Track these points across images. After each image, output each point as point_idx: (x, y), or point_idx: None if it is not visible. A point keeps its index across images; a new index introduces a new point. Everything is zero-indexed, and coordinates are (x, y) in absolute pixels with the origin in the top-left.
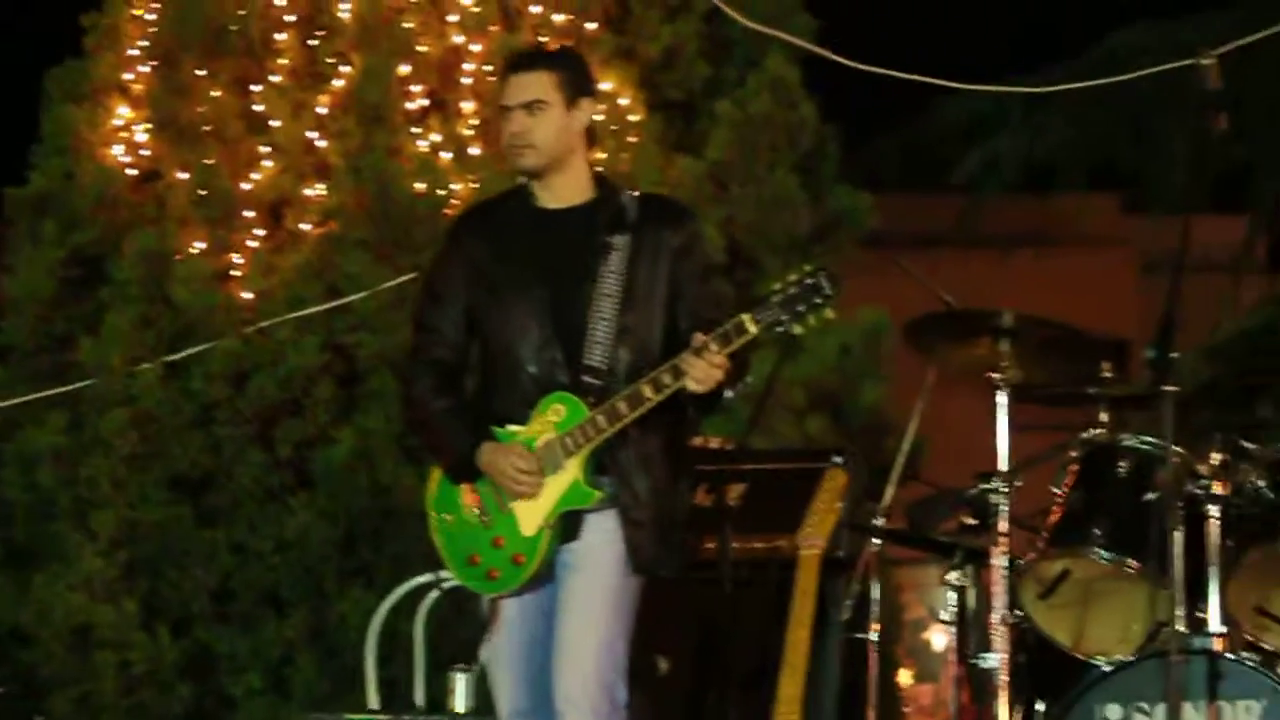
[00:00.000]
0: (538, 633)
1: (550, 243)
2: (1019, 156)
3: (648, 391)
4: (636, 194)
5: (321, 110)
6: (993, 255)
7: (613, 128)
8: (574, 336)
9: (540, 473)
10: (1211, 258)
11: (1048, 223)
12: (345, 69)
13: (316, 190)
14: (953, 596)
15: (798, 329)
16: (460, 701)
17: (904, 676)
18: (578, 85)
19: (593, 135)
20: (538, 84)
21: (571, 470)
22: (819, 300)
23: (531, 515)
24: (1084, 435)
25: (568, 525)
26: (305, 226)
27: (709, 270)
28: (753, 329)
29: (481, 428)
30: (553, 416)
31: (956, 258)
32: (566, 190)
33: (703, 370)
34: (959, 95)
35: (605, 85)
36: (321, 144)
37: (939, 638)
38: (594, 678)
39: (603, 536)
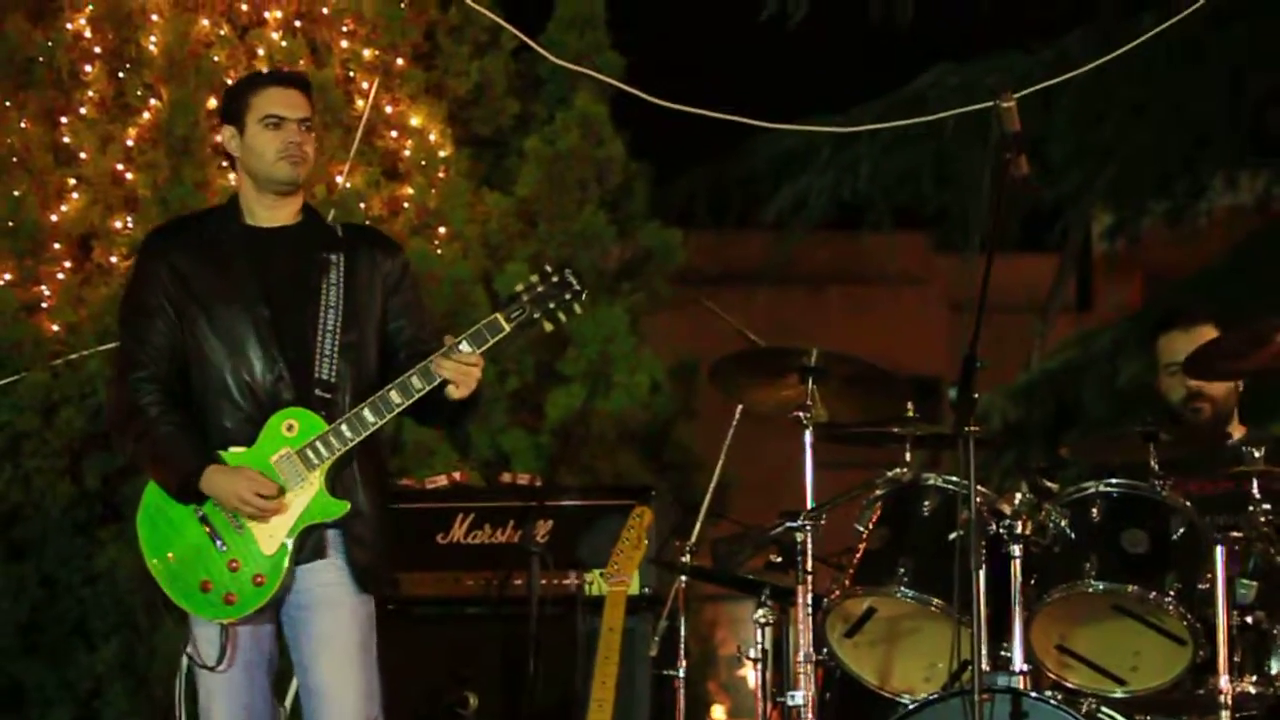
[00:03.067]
0: (256, 660)
1: (265, 260)
2: (828, 195)
3: (396, 397)
4: (339, 222)
5: (129, 143)
6: (806, 293)
7: (421, 163)
8: (300, 352)
9: (281, 493)
10: (1022, 297)
11: (859, 261)
12: (153, 102)
13: (125, 222)
14: (760, 634)
15: (549, 326)
16: None
17: (718, 712)
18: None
19: None
20: (306, 104)
21: (314, 483)
22: (569, 296)
23: (272, 533)
24: (889, 474)
25: (307, 542)
26: (114, 259)
27: (422, 303)
28: (507, 326)
29: (205, 449)
30: (286, 432)
31: (770, 295)
32: (285, 211)
33: (457, 370)
34: (769, 134)
35: (414, 121)
36: (129, 176)
37: (753, 674)
38: (361, 717)
39: (334, 560)
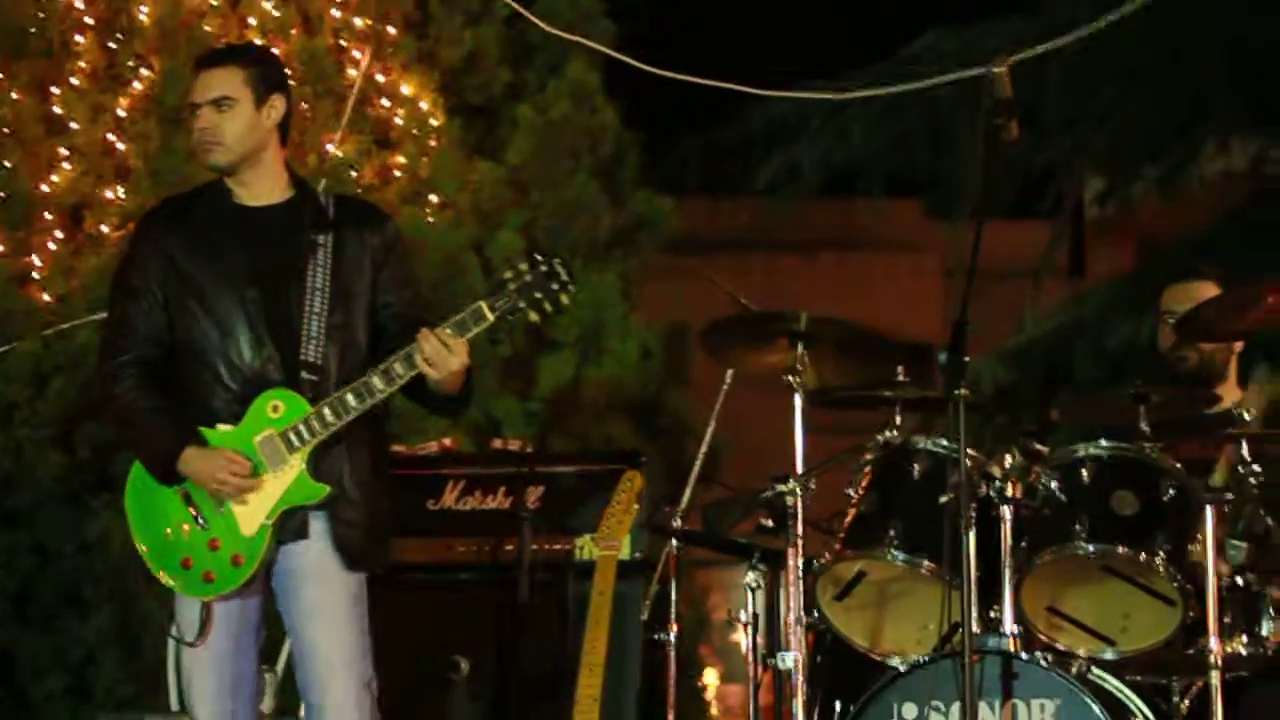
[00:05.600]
0: (242, 632)
1: (254, 241)
2: (820, 161)
3: (379, 383)
4: (331, 195)
5: (121, 113)
6: (798, 260)
7: (413, 132)
8: (288, 334)
9: (253, 472)
10: (1014, 263)
11: (852, 228)
12: (145, 72)
13: (116, 193)
14: (750, 597)
15: (534, 316)
16: (265, 702)
17: (710, 676)
18: (268, 82)
19: (285, 132)
20: (225, 80)
21: (295, 465)
22: (556, 287)
23: (252, 514)
24: (879, 438)
25: (288, 524)
26: (105, 229)
27: (412, 275)
28: (490, 316)
29: (187, 429)
30: (271, 413)
31: (763, 262)
32: (262, 188)
33: (436, 350)
34: (761, 100)
35: (405, 89)
36: (121, 147)
37: (744, 638)
38: (358, 680)
39: (321, 541)
